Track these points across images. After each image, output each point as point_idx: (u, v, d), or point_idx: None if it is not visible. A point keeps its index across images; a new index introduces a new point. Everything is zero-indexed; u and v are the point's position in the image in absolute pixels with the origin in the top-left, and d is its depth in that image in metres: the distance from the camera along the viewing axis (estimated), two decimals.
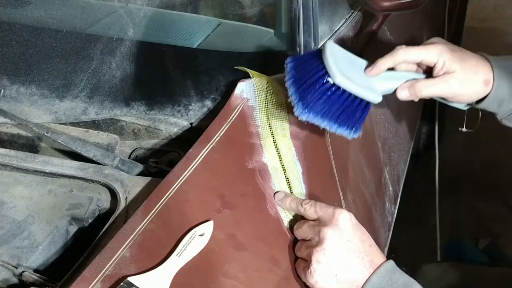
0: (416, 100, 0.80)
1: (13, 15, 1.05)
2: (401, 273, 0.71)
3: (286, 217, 0.78)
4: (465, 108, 0.88)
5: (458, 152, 2.51)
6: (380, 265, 0.70)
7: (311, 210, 0.73)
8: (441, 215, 1.89)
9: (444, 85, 0.79)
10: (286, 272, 0.73)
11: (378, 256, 0.71)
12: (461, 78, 0.79)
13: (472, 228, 2.19)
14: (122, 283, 0.62)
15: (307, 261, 0.70)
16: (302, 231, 0.73)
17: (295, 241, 0.76)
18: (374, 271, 0.69)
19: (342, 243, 0.69)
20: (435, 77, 0.80)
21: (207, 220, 0.70)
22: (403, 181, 1.35)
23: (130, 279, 0.62)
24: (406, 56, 0.79)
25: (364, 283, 0.69)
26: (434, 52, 0.78)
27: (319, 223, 0.71)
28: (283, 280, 0.73)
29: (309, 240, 0.72)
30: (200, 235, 0.68)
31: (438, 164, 1.73)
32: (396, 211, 1.25)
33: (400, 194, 1.30)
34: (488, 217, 2.20)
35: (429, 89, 0.79)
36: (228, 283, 0.67)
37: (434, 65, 0.79)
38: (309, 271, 0.69)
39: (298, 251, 0.73)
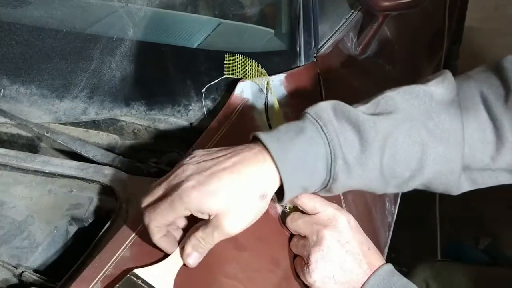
0: None
1: (13, 15, 1.05)
2: (400, 276, 0.71)
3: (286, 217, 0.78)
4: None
5: None
6: (378, 267, 0.70)
7: (309, 204, 0.71)
8: (441, 215, 1.89)
9: (219, 232, 0.62)
10: (286, 272, 0.73)
11: (377, 259, 0.71)
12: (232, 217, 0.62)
13: (472, 228, 2.19)
14: (128, 275, 0.61)
15: (306, 260, 0.70)
16: (297, 226, 0.72)
17: (291, 236, 0.75)
18: (372, 274, 0.69)
19: (340, 245, 0.69)
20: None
21: None
22: None
23: (136, 271, 0.62)
24: None
25: (362, 286, 0.69)
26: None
27: (317, 221, 0.71)
28: (283, 280, 0.72)
29: (305, 237, 0.71)
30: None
31: None
32: (396, 211, 1.25)
33: (400, 194, 1.30)
34: (488, 217, 2.20)
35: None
36: (228, 283, 0.66)
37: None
38: (308, 270, 0.69)
39: (294, 247, 0.73)
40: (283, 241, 0.76)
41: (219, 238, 0.62)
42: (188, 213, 0.61)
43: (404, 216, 1.50)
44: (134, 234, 0.67)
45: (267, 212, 0.77)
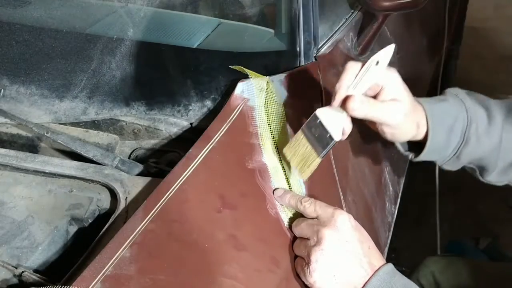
0: (359, 117, 0.74)
1: (13, 15, 1.05)
2: (401, 276, 0.71)
3: (286, 217, 0.78)
4: (405, 154, 0.85)
5: None
6: (379, 267, 0.70)
7: (310, 208, 0.73)
8: (441, 215, 1.89)
9: (390, 110, 0.74)
10: (286, 272, 0.73)
11: (378, 258, 0.71)
12: (406, 110, 0.74)
13: (472, 228, 2.19)
14: (314, 113, 0.72)
15: (306, 260, 0.70)
16: (301, 229, 0.73)
17: (294, 239, 0.76)
18: (373, 274, 0.69)
19: (340, 244, 0.69)
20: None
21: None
22: (403, 181, 1.35)
23: (317, 111, 0.72)
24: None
25: (363, 286, 0.69)
26: (386, 73, 0.74)
27: (318, 222, 0.71)
28: (283, 280, 0.72)
29: (307, 239, 0.72)
30: (375, 64, 0.71)
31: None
32: (396, 211, 1.25)
33: (400, 194, 1.30)
34: (488, 217, 2.20)
35: (375, 110, 0.73)
36: (228, 283, 0.67)
37: (382, 88, 0.74)
38: (308, 270, 0.69)
39: (297, 249, 0.73)
40: (283, 241, 0.76)
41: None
42: None
43: (404, 216, 1.50)
44: (134, 234, 0.67)
45: (267, 212, 0.77)
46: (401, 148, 0.85)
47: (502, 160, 0.80)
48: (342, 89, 0.72)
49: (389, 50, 0.73)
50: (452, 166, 0.84)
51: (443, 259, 1.29)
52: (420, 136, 0.79)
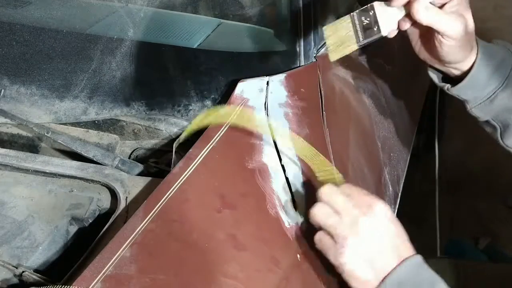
0: (421, 22, 0.74)
1: (13, 15, 1.05)
2: (428, 269, 0.71)
3: (286, 217, 0.78)
4: (440, 84, 0.85)
5: (458, 152, 2.51)
6: (407, 257, 0.70)
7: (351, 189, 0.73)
8: (441, 215, 1.89)
9: (454, 22, 0.74)
10: (286, 272, 0.73)
11: (408, 250, 0.72)
12: (465, 25, 0.75)
13: (472, 228, 2.19)
14: (368, 5, 0.72)
15: (337, 240, 0.69)
16: (334, 201, 0.71)
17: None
18: (400, 262, 0.69)
19: (375, 232, 0.69)
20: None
21: None
22: (403, 181, 1.35)
23: (375, 4, 0.72)
24: None
25: (390, 272, 0.69)
26: None
27: (357, 204, 0.71)
28: (283, 280, 0.73)
29: (338, 215, 0.71)
30: None
31: (438, 164, 1.73)
32: (396, 211, 1.25)
33: (400, 194, 1.30)
34: (488, 217, 2.20)
35: (438, 18, 0.73)
36: (228, 283, 0.67)
37: (450, 0, 0.74)
38: (339, 251, 0.69)
39: (324, 219, 0.71)
40: (283, 241, 0.76)
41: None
42: None
43: (404, 216, 1.50)
44: (134, 234, 0.67)
45: (267, 212, 0.77)
46: (435, 79, 0.85)
47: None
48: None
49: None
50: (481, 112, 0.83)
51: (440, 262, 1.29)
52: (465, 67, 0.80)
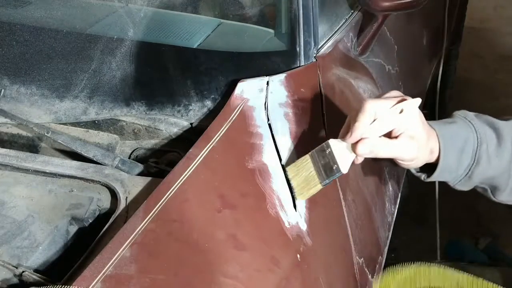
0: (373, 156, 0.76)
1: (13, 15, 1.05)
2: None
3: (286, 217, 0.78)
4: (417, 174, 0.87)
5: None
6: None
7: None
8: (441, 215, 1.89)
9: (405, 149, 0.76)
10: (286, 272, 0.73)
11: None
12: (419, 144, 0.77)
13: (472, 228, 2.19)
14: (325, 142, 0.75)
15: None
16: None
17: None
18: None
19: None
20: (395, 137, 0.76)
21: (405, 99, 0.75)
22: (403, 181, 1.35)
23: (330, 141, 0.75)
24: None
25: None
26: (406, 121, 0.75)
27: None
28: (283, 280, 0.73)
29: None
30: (399, 112, 0.73)
31: None
32: (396, 211, 1.25)
33: (400, 194, 1.30)
34: (488, 217, 2.20)
35: (389, 151, 0.75)
36: (228, 283, 0.67)
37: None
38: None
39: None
40: (283, 241, 0.76)
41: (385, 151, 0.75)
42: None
43: (404, 216, 1.50)
44: (134, 234, 0.67)
45: (267, 212, 0.77)
46: (413, 170, 0.86)
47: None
48: (359, 130, 0.73)
49: (415, 103, 0.75)
50: (464, 186, 0.85)
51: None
52: (433, 160, 0.81)
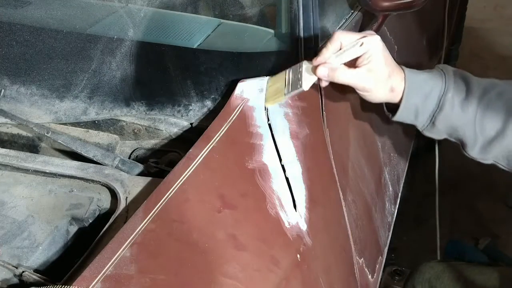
0: (330, 81, 0.84)
1: (13, 15, 1.05)
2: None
3: (286, 217, 0.78)
4: (386, 113, 0.93)
5: (458, 152, 2.50)
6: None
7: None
8: (441, 215, 1.89)
9: (360, 79, 0.82)
10: (286, 272, 0.73)
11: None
12: (376, 77, 0.83)
13: (472, 228, 2.19)
14: (299, 63, 0.84)
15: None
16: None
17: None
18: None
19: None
20: (355, 66, 0.83)
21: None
22: (403, 181, 1.36)
23: (303, 62, 0.84)
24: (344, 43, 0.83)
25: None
26: (369, 47, 0.82)
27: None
28: (283, 280, 0.73)
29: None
30: (360, 45, 0.81)
31: (438, 164, 1.73)
32: (396, 211, 1.25)
33: (400, 194, 1.30)
34: (487, 217, 2.20)
35: (345, 77, 0.82)
36: (228, 283, 0.67)
37: (362, 54, 0.83)
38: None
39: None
40: (283, 241, 0.76)
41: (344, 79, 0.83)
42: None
43: (404, 216, 1.50)
44: (134, 234, 0.67)
45: (267, 212, 0.77)
46: (384, 107, 0.93)
47: (480, 136, 0.85)
48: (323, 55, 0.82)
49: (375, 39, 0.82)
50: (432, 133, 0.89)
51: (439, 265, 1.29)
52: (396, 99, 0.86)
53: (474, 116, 0.84)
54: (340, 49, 0.82)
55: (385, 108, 0.93)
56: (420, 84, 0.85)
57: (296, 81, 0.83)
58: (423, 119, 0.86)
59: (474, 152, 0.88)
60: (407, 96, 0.84)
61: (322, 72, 0.82)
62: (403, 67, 0.87)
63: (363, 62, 0.82)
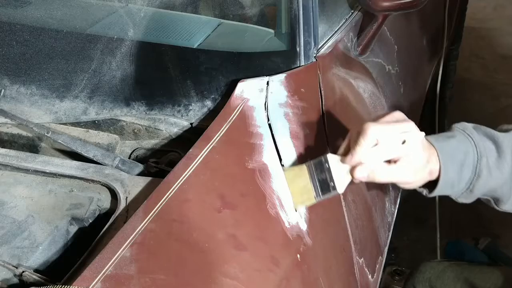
0: (370, 181, 0.77)
1: (13, 15, 1.05)
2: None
3: (286, 217, 0.78)
4: (419, 190, 0.86)
5: None
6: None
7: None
8: (441, 215, 1.89)
9: (401, 174, 0.76)
10: (286, 272, 0.73)
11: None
12: (416, 168, 0.77)
13: (472, 228, 2.19)
14: (323, 156, 0.75)
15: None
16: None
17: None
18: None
19: None
20: (393, 161, 0.76)
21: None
22: None
23: (328, 156, 0.74)
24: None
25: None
26: (411, 145, 0.75)
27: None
28: (283, 280, 0.73)
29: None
30: (402, 142, 0.73)
31: None
32: (396, 211, 1.25)
33: (400, 194, 1.30)
34: (488, 217, 2.20)
35: (387, 177, 0.76)
36: (228, 283, 0.67)
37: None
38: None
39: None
40: (283, 241, 0.76)
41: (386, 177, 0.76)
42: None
43: (404, 216, 1.50)
44: (134, 234, 0.67)
45: (267, 212, 0.77)
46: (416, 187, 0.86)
47: None
48: (359, 154, 0.73)
49: (419, 136, 0.76)
50: (467, 199, 0.86)
51: (439, 265, 1.29)
52: (434, 177, 0.80)
53: (510, 172, 0.81)
54: (375, 144, 0.73)
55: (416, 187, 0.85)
56: (453, 155, 0.80)
57: (326, 182, 0.75)
58: (459, 188, 0.82)
59: (506, 206, 0.86)
60: (445, 171, 0.79)
61: (361, 174, 0.74)
62: (428, 138, 0.80)
63: (403, 156, 0.75)
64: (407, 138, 0.74)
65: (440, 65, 1.99)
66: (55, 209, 0.82)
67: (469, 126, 0.84)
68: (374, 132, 0.72)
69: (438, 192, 0.82)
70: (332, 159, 0.75)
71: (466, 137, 0.81)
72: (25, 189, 0.85)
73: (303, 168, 0.77)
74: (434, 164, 0.79)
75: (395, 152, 0.74)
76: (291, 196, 0.79)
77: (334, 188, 0.75)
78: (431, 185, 0.81)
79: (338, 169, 0.75)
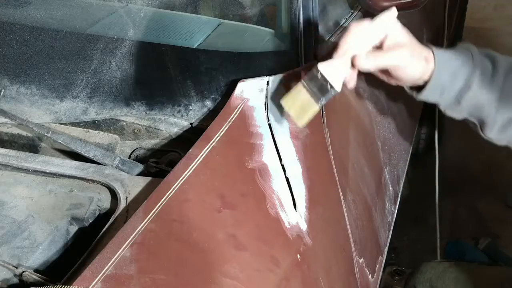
0: (374, 70, 0.81)
1: (13, 15, 1.05)
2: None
3: (286, 217, 0.78)
4: (409, 92, 0.89)
5: (458, 152, 2.51)
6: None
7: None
8: (441, 215, 1.89)
9: (396, 54, 0.79)
10: (286, 272, 0.73)
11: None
12: (410, 49, 0.80)
13: (472, 228, 2.19)
14: (313, 68, 0.76)
15: None
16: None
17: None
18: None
19: None
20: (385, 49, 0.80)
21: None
22: (403, 181, 1.36)
23: (319, 65, 0.76)
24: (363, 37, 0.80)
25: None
26: (388, 28, 0.80)
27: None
28: (283, 280, 0.73)
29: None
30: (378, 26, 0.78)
31: (438, 164, 1.73)
32: (396, 211, 1.25)
33: (400, 194, 1.30)
34: (488, 217, 2.20)
35: (385, 60, 0.79)
36: (228, 283, 0.67)
37: (385, 37, 0.80)
38: None
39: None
40: (283, 241, 0.76)
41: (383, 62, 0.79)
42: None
43: (404, 216, 1.50)
44: (134, 234, 0.67)
45: (267, 212, 0.77)
46: (406, 88, 0.89)
47: (501, 114, 0.83)
48: (345, 44, 0.78)
49: (391, 12, 0.81)
50: (454, 112, 0.87)
51: (440, 265, 1.29)
52: (427, 75, 0.82)
53: (499, 94, 0.83)
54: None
55: (407, 88, 0.89)
56: (449, 62, 0.82)
57: (323, 86, 0.77)
58: (448, 97, 0.84)
59: (492, 132, 0.86)
60: (438, 71, 0.81)
61: (365, 62, 0.77)
62: (432, 48, 0.84)
63: (387, 42, 0.79)
64: (378, 16, 0.79)
65: None
66: (55, 209, 0.82)
67: (474, 46, 0.86)
68: (353, 26, 0.78)
69: (427, 94, 0.84)
70: (323, 65, 0.78)
71: (466, 50, 0.84)
72: (25, 189, 0.85)
73: (298, 86, 0.79)
74: (428, 53, 0.82)
75: (376, 31, 0.78)
76: (294, 117, 0.80)
77: (332, 86, 0.77)
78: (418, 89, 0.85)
79: (330, 71, 0.77)
